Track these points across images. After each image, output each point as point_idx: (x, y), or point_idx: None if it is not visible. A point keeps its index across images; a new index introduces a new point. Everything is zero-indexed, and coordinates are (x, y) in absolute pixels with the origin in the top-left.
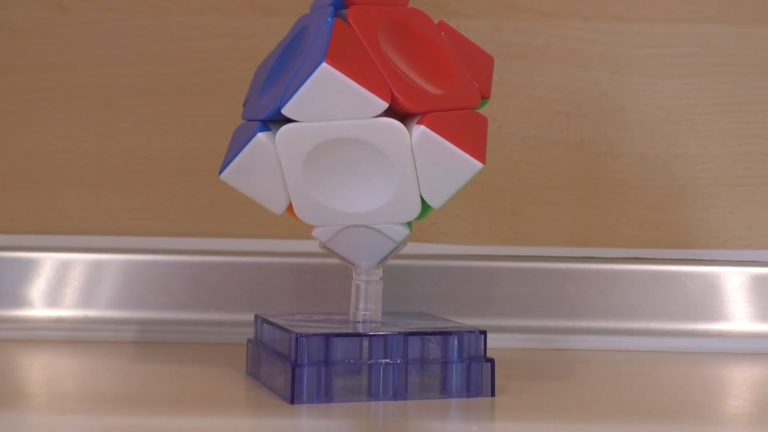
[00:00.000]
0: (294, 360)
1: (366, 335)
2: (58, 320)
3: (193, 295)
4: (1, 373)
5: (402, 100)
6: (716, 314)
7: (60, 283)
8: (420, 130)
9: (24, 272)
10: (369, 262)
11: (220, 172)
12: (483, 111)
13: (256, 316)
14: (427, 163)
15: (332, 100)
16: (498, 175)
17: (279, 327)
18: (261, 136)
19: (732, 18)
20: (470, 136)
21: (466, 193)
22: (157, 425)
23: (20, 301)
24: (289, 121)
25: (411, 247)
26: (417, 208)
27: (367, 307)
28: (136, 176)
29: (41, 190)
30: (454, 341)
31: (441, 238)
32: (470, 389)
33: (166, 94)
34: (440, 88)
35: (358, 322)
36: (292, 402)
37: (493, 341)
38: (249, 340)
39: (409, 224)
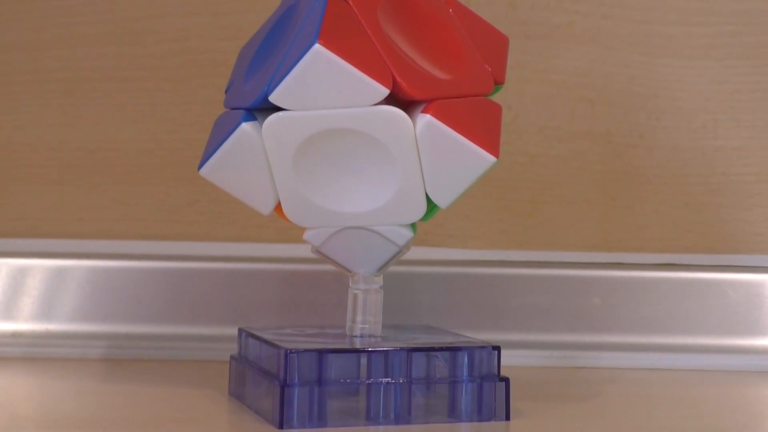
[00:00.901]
0: (283, 379)
1: (364, 351)
2: (15, 335)
3: (168, 306)
4: None
5: (405, 85)
6: (761, 328)
7: (17, 293)
8: (425, 119)
9: None
10: (368, 268)
11: (200, 167)
12: (496, 98)
13: (241, 330)
14: (434, 157)
15: (326, 86)
16: (513, 171)
17: (266, 342)
18: (245, 127)
19: None
20: (482, 126)
21: (477, 190)
22: None
23: None
24: (278, 109)
25: (415, 252)
26: (422, 208)
27: (365, 320)
28: (103, 172)
29: None
30: (464, 358)
31: (449, 241)
32: (482, 412)
33: (137, 79)
34: (448, 72)
35: (356, 336)
36: (280, 427)
37: (508, 358)
38: (232, 357)
39: (413, 226)
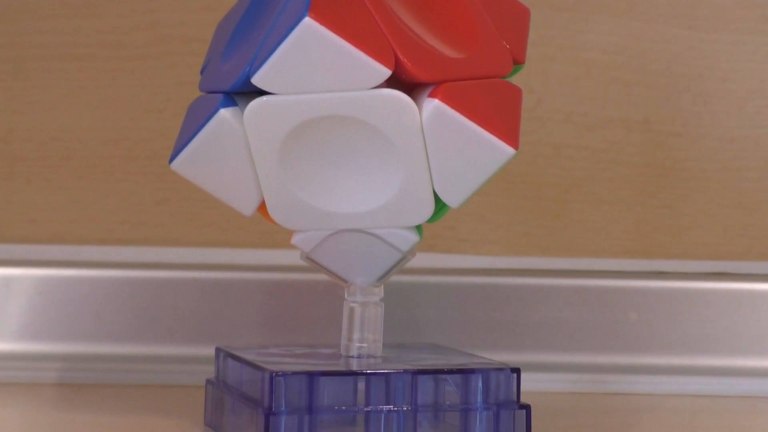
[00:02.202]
0: (268, 406)
1: (362, 374)
2: None
3: (133, 322)
4: None
5: (409, 65)
6: None
7: None
8: (433, 104)
9: None
10: (366, 278)
11: (171, 160)
12: (516, 80)
13: (218, 350)
14: (443, 148)
15: (317, 66)
16: (536, 165)
17: (248, 363)
18: (224, 114)
19: None
20: (499, 112)
21: (493, 187)
22: None
23: None
24: (262, 93)
25: (421, 259)
26: (429, 208)
27: (363, 338)
28: (58, 166)
29: None
30: (478, 382)
31: (461, 246)
32: None
33: (98, 57)
34: (460, 50)
35: (352, 356)
36: None
37: (530, 382)
38: (208, 381)
39: (419, 229)
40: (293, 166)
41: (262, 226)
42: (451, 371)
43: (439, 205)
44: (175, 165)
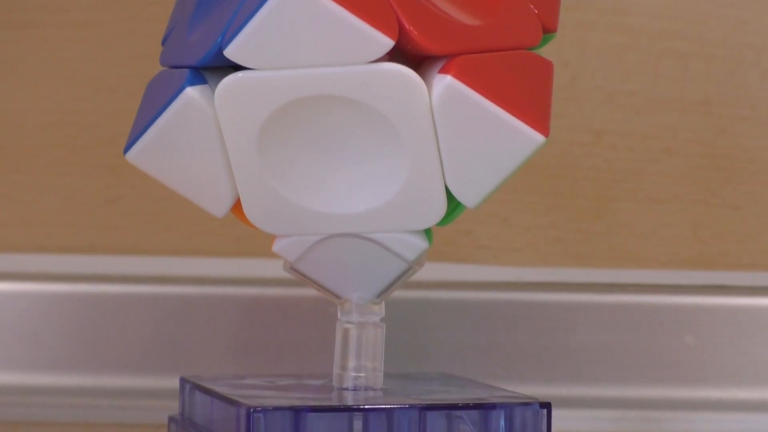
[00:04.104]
0: None
1: (359, 410)
2: None
3: (80, 347)
4: None
5: (416, 34)
6: None
7: None
8: (445, 82)
9: None
10: (364, 293)
11: (126, 149)
12: (546, 52)
13: (184, 381)
14: (457, 135)
15: (304, 36)
16: (571, 155)
17: (220, 397)
18: (191, 92)
19: None
20: (525, 91)
21: (518, 183)
22: None
23: None
24: (237, 68)
25: (431, 270)
26: (440, 208)
27: (360, 366)
28: None
29: None
30: (500, 420)
31: (480, 255)
32: None
33: (36, 24)
34: (478, 16)
35: (347, 389)
36: None
37: (564, 420)
38: (171, 419)
39: (428, 233)
40: (275, 156)
41: (237, 230)
42: (467, 406)
43: (453, 204)
44: (131, 155)
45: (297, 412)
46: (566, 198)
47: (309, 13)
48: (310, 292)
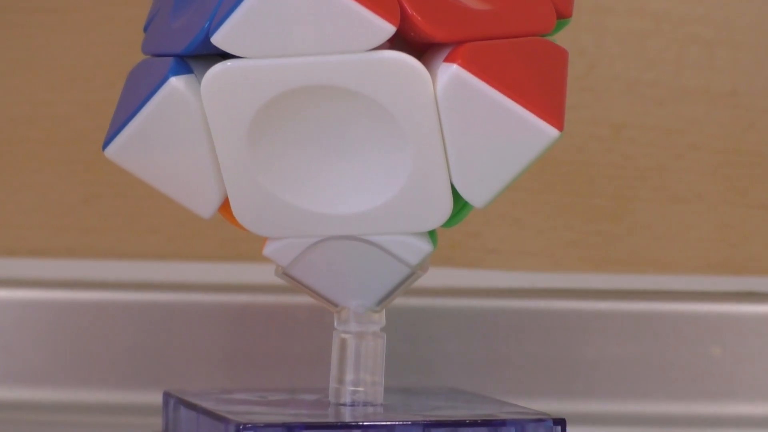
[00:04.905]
0: None
1: (357, 426)
2: None
3: (54, 359)
4: None
5: (419, 20)
6: None
7: None
8: (451, 71)
9: None
10: (363, 300)
11: (105, 145)
12: (561, 39)
13: (168, 396)
14: (464, 129)
15: (298, 22)
16: (588, 151)
17: (207, 413)
18: (175, 83)
19: None
20: (538, 82)
21: (530, 182)
22: None
23: None
24: (226, 57)
25: (436, 276)
26: (445, 208)
27: (359, 379)
28: None
29: None
30: None
31: (489, 259)
32: None
33: (6, 9)
34: (486, 1)
35: (344, 404)
36: None
37: None
38: None
39: (433, 236)
40: (266, 152)
41: (225, 232)
42: (474, 423)
43: (459, 204)
44: (111, 151)
45: (290, 429)
46: (583, 197)
47: None
48: (304, 299)
